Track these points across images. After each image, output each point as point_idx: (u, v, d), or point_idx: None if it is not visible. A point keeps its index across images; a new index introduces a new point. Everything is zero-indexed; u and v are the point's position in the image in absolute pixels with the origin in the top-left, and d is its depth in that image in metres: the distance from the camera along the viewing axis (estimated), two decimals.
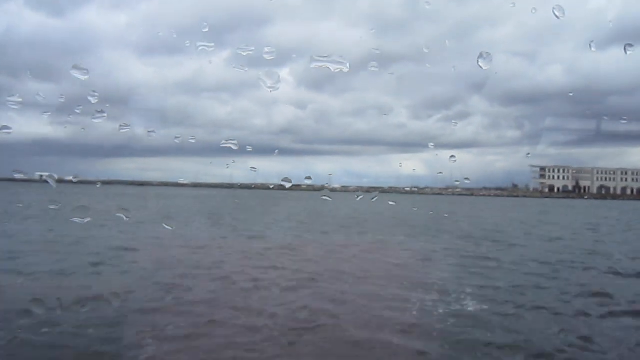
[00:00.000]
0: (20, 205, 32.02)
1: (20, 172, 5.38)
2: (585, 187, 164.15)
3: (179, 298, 8.33)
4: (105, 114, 5.94)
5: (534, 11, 7.04)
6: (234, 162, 8.22)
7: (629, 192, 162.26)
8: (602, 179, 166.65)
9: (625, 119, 10.56)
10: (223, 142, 5.94)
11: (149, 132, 7.22)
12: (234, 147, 5.90)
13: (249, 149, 6.67)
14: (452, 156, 8.38)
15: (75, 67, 4.96)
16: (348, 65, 4.17)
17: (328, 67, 4.16)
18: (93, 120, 5.94)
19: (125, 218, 15.45)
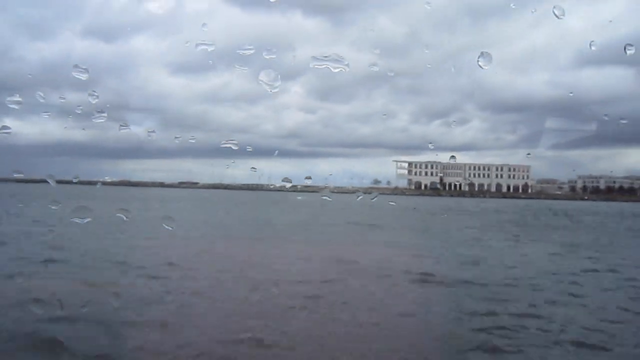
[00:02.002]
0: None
1: (19, 172, 5.39)
2: (454, 184, 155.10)
3: None
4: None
5: (534, 11, 7.03)
6: (233, 162, 8.25)
7: (504, 189, 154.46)
8: (475, 175, 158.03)
9: (625, 121, 10.54)
10: (223, 142, 5.95)
11: (148, 132, 7.24)
12: (234, 147, 5.91)
13: (249, 149, 6.67)
14: (452, 156, 8.42)
15: (75, 67, 4.98)
16: (348, 64, 4.18)
17: (328, 67, 4.17)
18: (94, 121, 5.98)
19: (124, 218, 15.34)
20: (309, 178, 6.49)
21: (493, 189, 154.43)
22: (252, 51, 4.90)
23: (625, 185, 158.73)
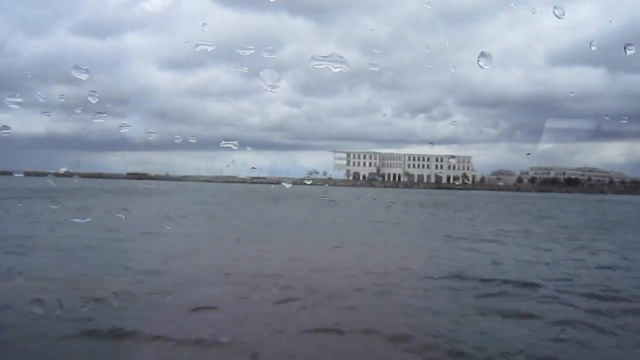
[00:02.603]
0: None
1: (19, 172, 5.42)
2: (393, 175, 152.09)
3: None
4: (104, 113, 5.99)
5: (533, 11, 7.05)
6: (233, 161, 8.26)
7: (444, 180, 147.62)
8: (415, 165, 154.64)
9: (625, 119, 10.57)
10: (223, 142, 5.94)
11: (149, 132, 7.25)
12: (234, 147, 5.92)
13: (249, 149, 6.68)
14: (453, 156, 8.39)
15: (76, 67, 4.98)
16: (348, 64, 4.18)
17: (328, 67, 4.17)
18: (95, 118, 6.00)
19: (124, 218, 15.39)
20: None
21: (433, 179, 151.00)
22: (252, 51, 4.91)
23: (573, 177, 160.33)
